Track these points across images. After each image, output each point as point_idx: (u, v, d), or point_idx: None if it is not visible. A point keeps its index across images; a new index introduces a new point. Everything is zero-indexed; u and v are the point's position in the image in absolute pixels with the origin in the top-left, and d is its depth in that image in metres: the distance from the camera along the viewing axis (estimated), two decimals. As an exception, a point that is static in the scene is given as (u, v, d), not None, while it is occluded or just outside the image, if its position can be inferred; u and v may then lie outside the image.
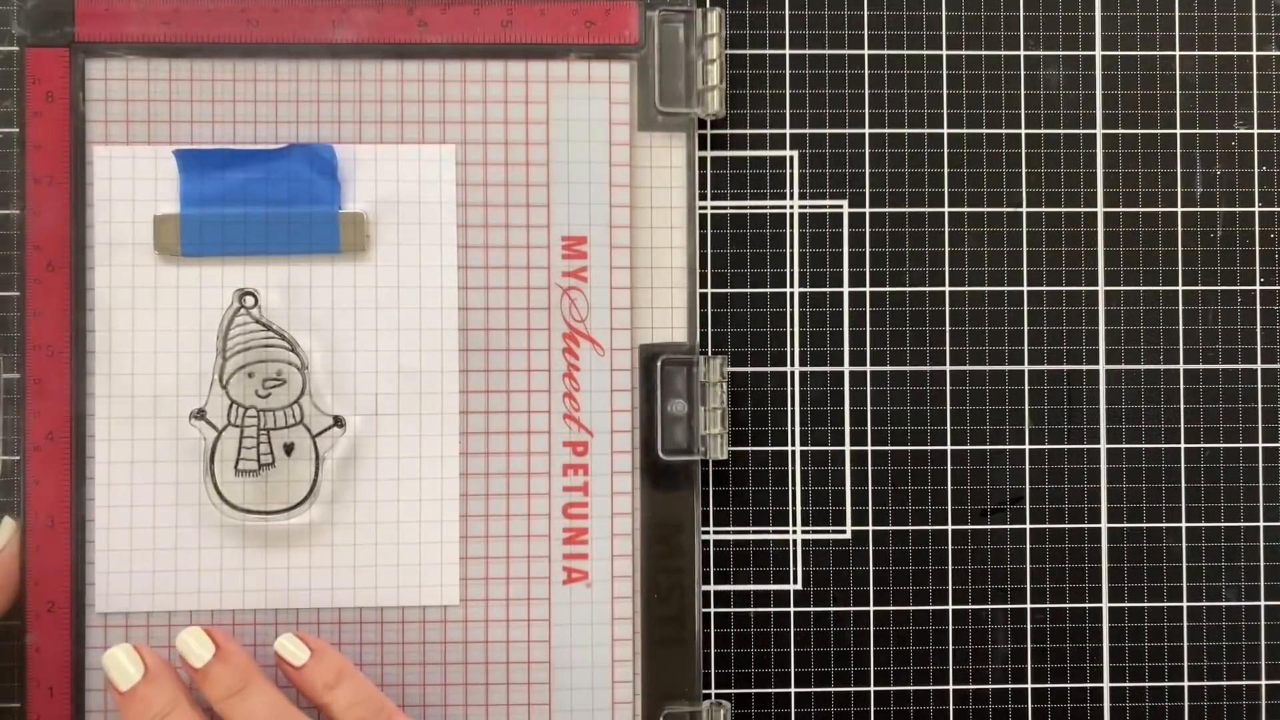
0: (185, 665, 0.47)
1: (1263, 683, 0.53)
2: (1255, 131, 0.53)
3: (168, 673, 0.47)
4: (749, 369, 0.52)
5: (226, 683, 0.46)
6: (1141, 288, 0.53)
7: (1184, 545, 0.53)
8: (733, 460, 0.52)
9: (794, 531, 0.52)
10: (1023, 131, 0.53)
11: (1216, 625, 0.53)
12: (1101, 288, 0.53)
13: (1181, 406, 0.53)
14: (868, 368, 0.52)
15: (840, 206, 0.53)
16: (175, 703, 0.46)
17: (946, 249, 0.53)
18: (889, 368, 0.53)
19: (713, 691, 0.52)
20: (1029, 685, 0.52)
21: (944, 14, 0.53)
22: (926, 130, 0.53)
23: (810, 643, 0.52)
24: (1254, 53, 0.53)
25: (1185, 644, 0.53)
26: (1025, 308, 0.53)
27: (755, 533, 0.52)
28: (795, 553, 0.52)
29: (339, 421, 0.50)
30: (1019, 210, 0.53)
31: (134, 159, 0.50)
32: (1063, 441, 0.53)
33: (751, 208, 0.53)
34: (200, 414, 0.50)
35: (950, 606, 0.52)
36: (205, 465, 0.50)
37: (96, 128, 0.50)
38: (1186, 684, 0.52)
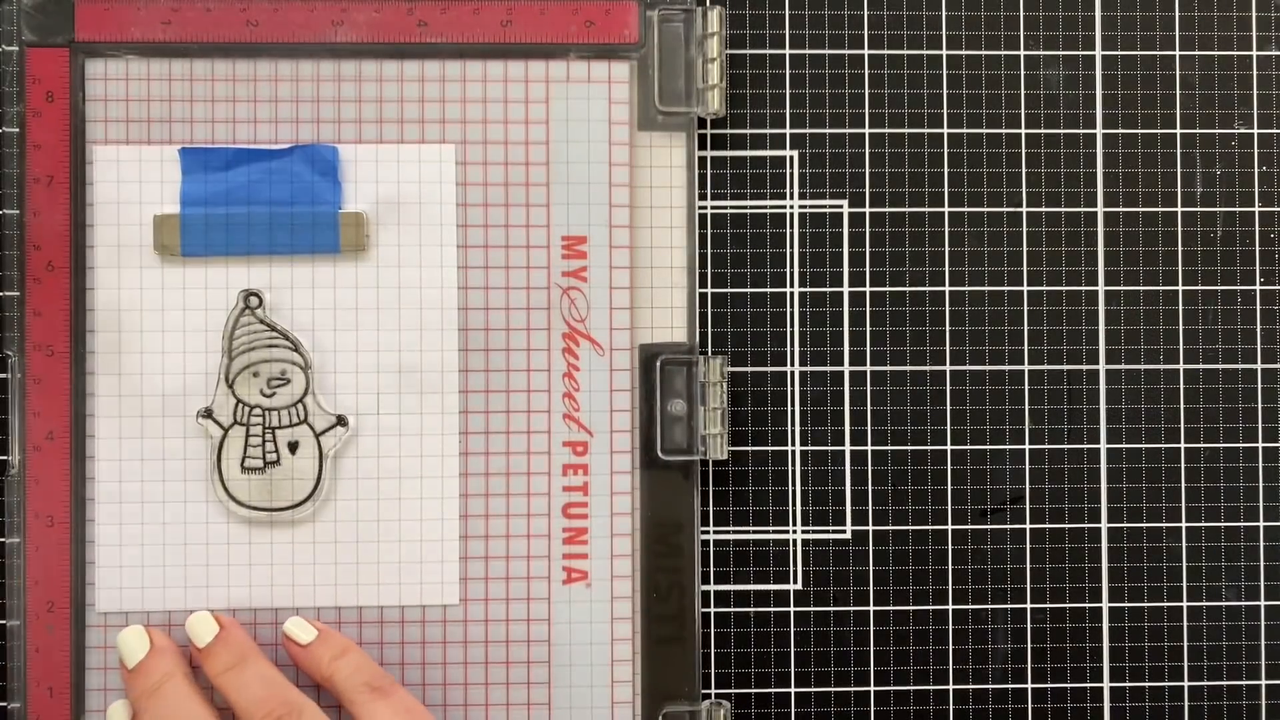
0: (190, 646, 0.49)
1: (1263, 683, 0.53)
2: (1255, 131, 0.53)
3: (170, 649, 0.49)
4: (749, 369, 0.52)
5: (224, 659, 0.48)
6: (1141, 288, 0.53)
7: (1184, 545, 0.53)
8: (733, 460, 0.52)
9: (794, 531, 0.52)
10: (1023, 131, 0.53)
11: (1216, 625, 0.53)
12: (1101, 288, 0.53)
13: (1181, 406, 0.53)
14: (868, 368, 0.52)
15: (840, 206, 0.53)
16: (170, 675, 0.48)
17: (946, 249, 0.53)
18: (889, 368, 0.53)
19: (712, 691, 0.52)
20: (1029, 685, 0.52)
21: (944, 14, 0.53)
22: (926, 130, 0.53)
23: (810, 643, 0.52)
24: (1254, 53, 0.53)
25: (1185, 644, 0.53)
26: (1025, 308, 0.53)
27: (755, 533, 0.52)
28: (795, 553, 0.52)
29: (342, 420, 0.50)
30: (1019, 210, 0.53)
31: (134, 159, 0.50)
32: (1063, 441, 0.53)
33: (751, 208, 0.53)
34: (207, 413, 0.50)
35: (950, 606, 0.52)
36: (212, 463, 0.50)
37: (96, 128, 0.50)
38: (1186, 684, 0.52)
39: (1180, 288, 0.53)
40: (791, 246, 0.53)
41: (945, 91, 0.53)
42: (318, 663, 0.48)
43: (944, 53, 0.53)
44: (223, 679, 0.48)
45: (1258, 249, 0.53)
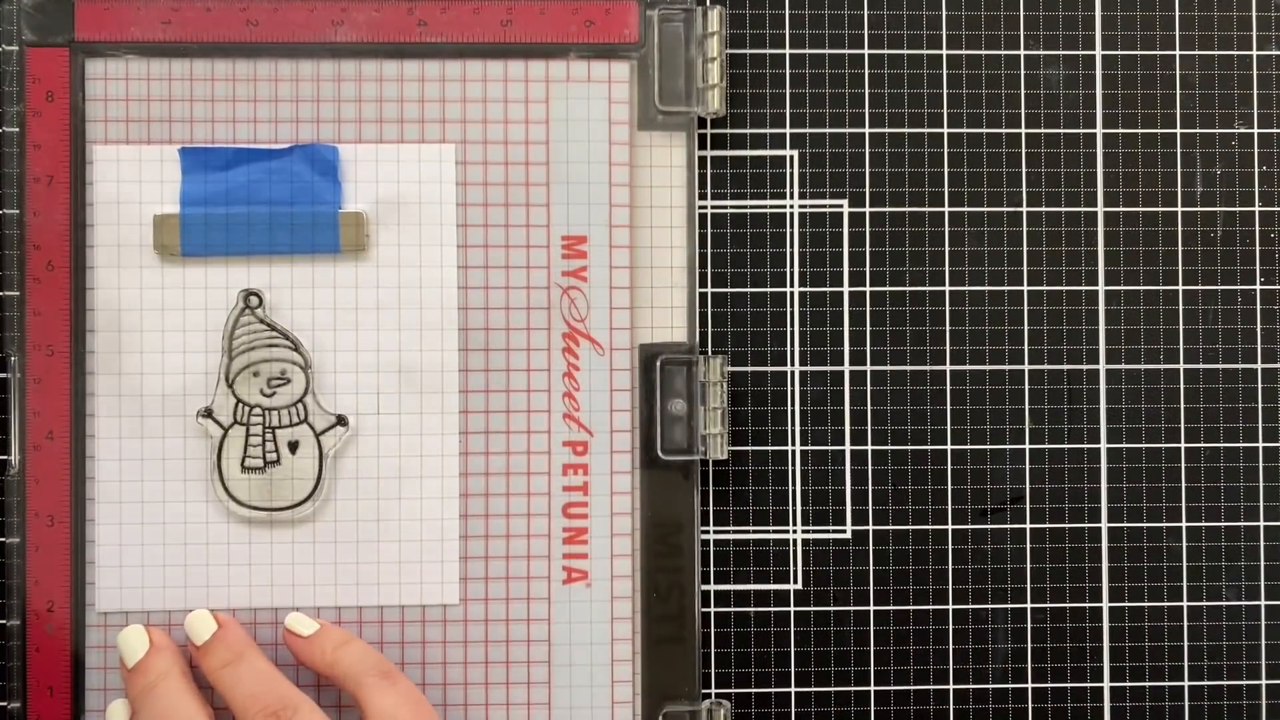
0: (189, 644, 0.49)
1: (1263, 682, 0.53)
2: (1255, 131, 0.53)
3: (169, 647, 0.49)
4: (749, 369, 0.52)
5: (221, 655, 0.48)
6: (1141, 288, 0.53)
7: (1184, 545, 0.53)
8: (733, 460, 0.52)
9: (794, 531, 0.52)
10: (1023, 131, 0.53)
11: (1216, 625, 0.53)
12: (1101, 288, 0.53)
13: (1181, 406, 0.53)
14: (868, 368, 0.52)
15: (840, 206, 0.53)
16: (166, 673, 0.48)
17: (946, 249, 0.53)
18: (889, 368, 0.53)
19: (713, 691, 0.52)
20: (1029, 685, 0.52)
21: (944, 14, 0.53)
22: (926, 130, 0.53)
23: (810, 643, 0.52)
24: (1254, 53, 0.53)
25: (1185, 644, 0.53)
26: (1025, 308, 0.53)
27: (755, 532, 0.52)
28: (795, 553, 0.52)
29: (342, 420, 0.50)
30: (1019, 210, 0.53)
31: (134, 159, 0.50)
32: (1063, 441, 0.53)
33: (751, 207, 0.53)
34: (207, 413, 0.50)
35: (950, 606, 0.52)
36: (212, 463, 0.50)
37: (96, 128, 0.50)
38: (1186, 684, 0.52)
39: (1180, 288, 0.53)
40: (791, 246, 0.53)
41: (945, 91, 0.53)
42: (320, 652, 0.48)
43: (944, 53, 0.53)
44: (219, 675, 0.48)
45: (1258, 249, 0.53)
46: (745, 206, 0.52)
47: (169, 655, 0.48)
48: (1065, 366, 0.53)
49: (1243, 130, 0.53)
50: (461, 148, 0.51)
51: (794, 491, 0.52)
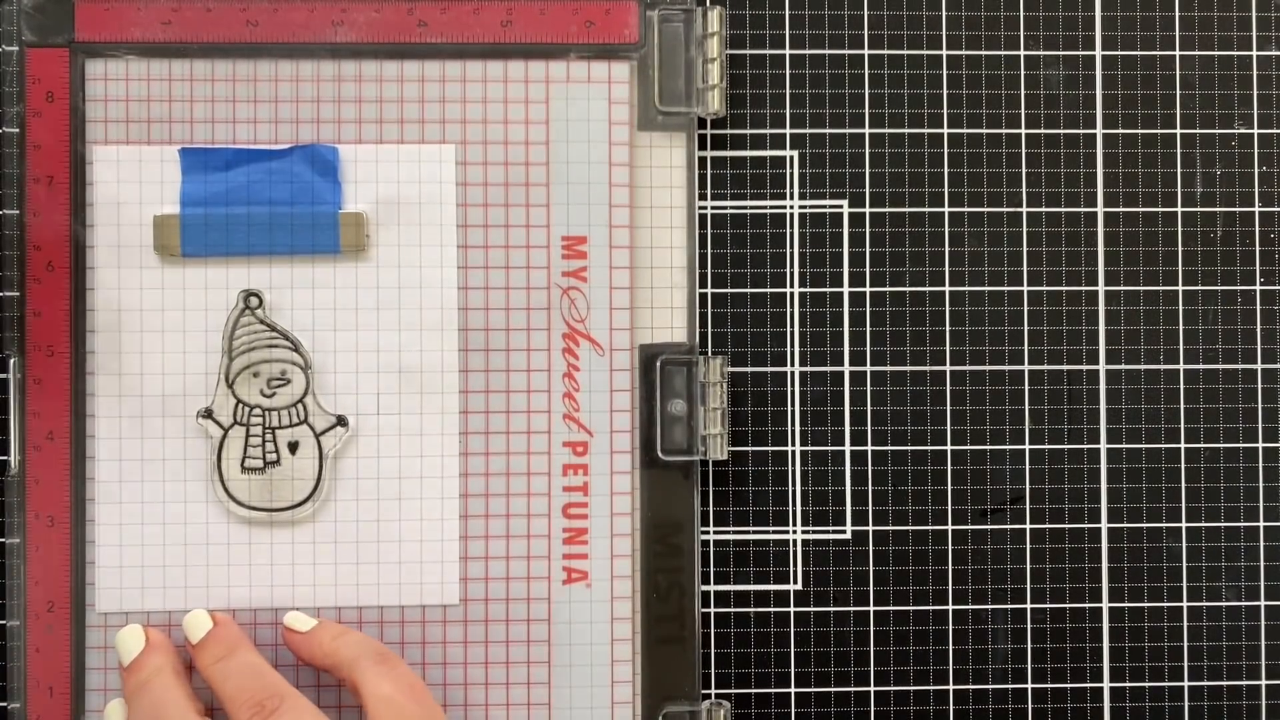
0: (186, 642, 0.49)
1: (1263, 683, 0.53)
2: (1255, 131, 0.53)
3: (164, 645, 0.49)
4: (749, 369, 0.52)
5: (214, 652, 0.48)
6: (1141, 288, 0.53)
7: (1184, 545, 0.53)
8: (733, 460, 0.52)
9: (794, 531, 0.52)
10: (1023, 131, 0.53)
11: (1216, 625, 0.53)
12: (1101, 288, 0.53)
13: (1181, 406, 0.53)
14: (868, 368, 0.52)
15: (840, 206, 0.53)
16: (160, 670, 0.48)
17: (946, 249, 0.53)
18: (889, 368, 0.53)
19: (712, 691, 0.52)
20: (1029, 685, 0.52)
21: (944, 14, 0.53)
22: (926, 130, 0.53)
23: (810, 643, 0.52)
24: (1254, 53, 0.53)
25: (1185, 644, 0.53)
26: (1025, 308, 0.53)
27: (755, 533, 0.52)
28: (795, 553, 0.52)
29: (342, 421, 0.50)
30: (1019, 210, 0.53)
31: (134, 159, 0.50)
32: (1063, 441, 0.53)
33: (751, 208, 0.53)
34: (207, 413, 0.50)
35: (950, 606, 0.52)
36: (212, 463, 0.50)
37: (96, 128, 0.50)
38: (1186, 684, 0.52)
39: (1180, 288, 0.53)
40: (791, 246, 0.53)
41: (945, 91, 0.53)
42: (319, 644, 0.48)
43: (944, 53, 0.53)
44: (211, 671, 0.48)
45: (1258, 249, 0.53)
46: (745, 207, 0.52)
47: (163, 653, 0.48)
48: (1065, 367, 0.53)
49: (1243, 130, 0.53)
50: (461, 148, 0.51)
51: (794, 492, 0.52)
